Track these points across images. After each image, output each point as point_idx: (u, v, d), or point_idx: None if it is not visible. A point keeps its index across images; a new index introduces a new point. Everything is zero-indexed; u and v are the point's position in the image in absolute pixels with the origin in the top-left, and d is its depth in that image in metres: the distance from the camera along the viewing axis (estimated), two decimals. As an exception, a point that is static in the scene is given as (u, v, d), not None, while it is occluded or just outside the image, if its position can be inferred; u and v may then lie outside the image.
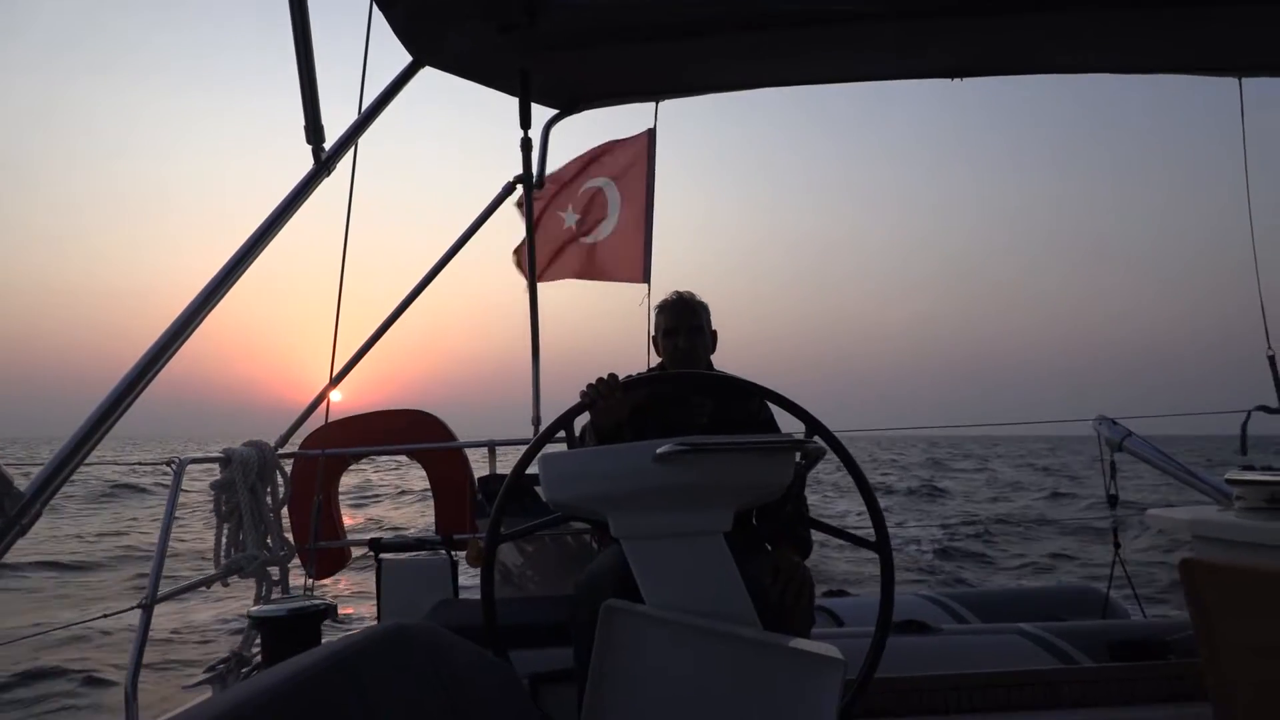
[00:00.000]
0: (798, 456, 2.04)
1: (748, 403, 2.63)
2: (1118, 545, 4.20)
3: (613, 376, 2.26)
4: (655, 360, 2.83)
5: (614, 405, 2.27)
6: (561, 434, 2.23)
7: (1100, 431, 4.10)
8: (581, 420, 2.36)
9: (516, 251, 4.79)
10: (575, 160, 4.84)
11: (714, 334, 2.77)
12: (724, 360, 2.81)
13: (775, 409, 2.35)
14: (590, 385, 2.26)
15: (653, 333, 2.78)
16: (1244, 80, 3.74)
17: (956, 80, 3.61)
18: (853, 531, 2.21)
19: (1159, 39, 3.41)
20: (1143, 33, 3.32)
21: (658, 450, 1.86)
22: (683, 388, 2.69)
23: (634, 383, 2.30)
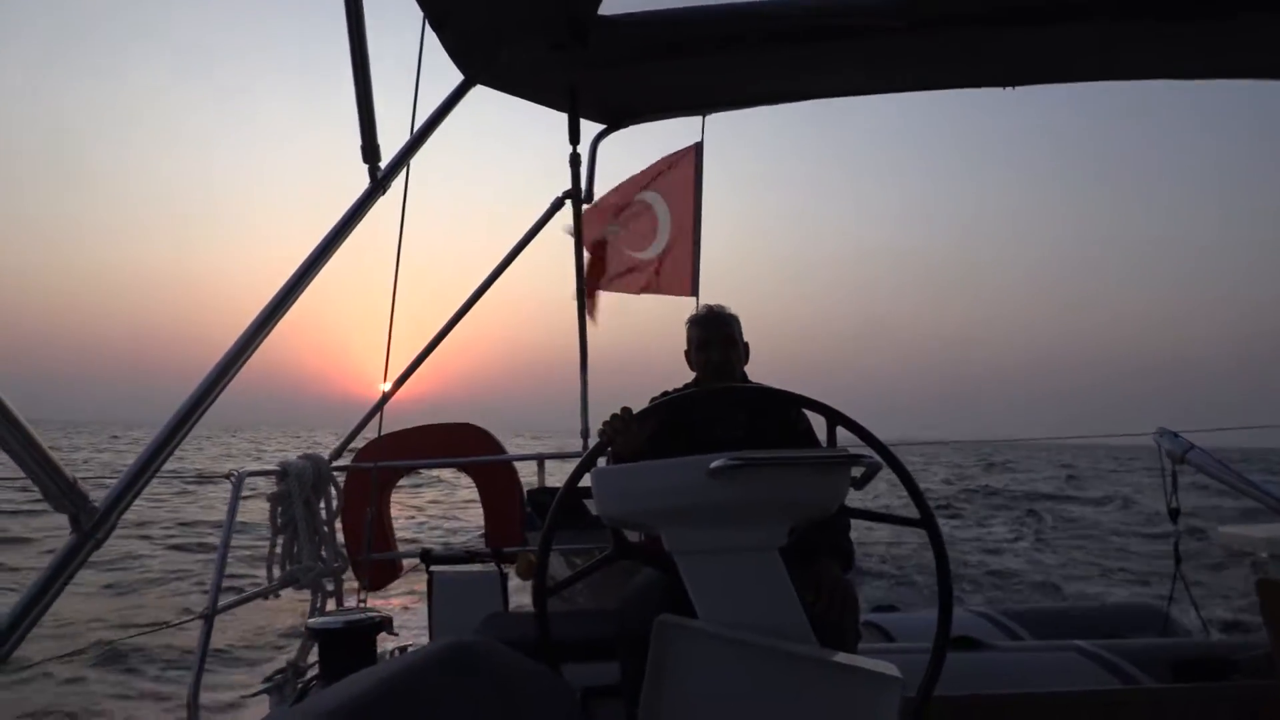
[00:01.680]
0: (854, 471, 2.01)
1: (784, 413, 2.61)
2: (1179, 561, 4.09)
3: (626, 410, 2.27)
4: (689, 374, 2.82)
5: (631, 438, 2.28)
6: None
7: (1161, 445, 3.99)
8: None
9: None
10: (628, 182, 4.84)
11: (746, 346, 2.76)
12: (764, 372, 2.80)
13: (815, 419, 2.33)
14: (606, 422, 2.28)
15: (686, 348, 2.78)
16: None
17: (1009, 89, 3.57)
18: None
19: (1216, 44, 3.33)
20: (1199, 38, 3.26)
21: (711, 465, 1.85)
22: (701, 405, 2.67)
23: (647, 413, 2.30)
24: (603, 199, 4.80)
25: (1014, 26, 3.06)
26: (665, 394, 2.57)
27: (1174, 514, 3.99)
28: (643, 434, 2.33)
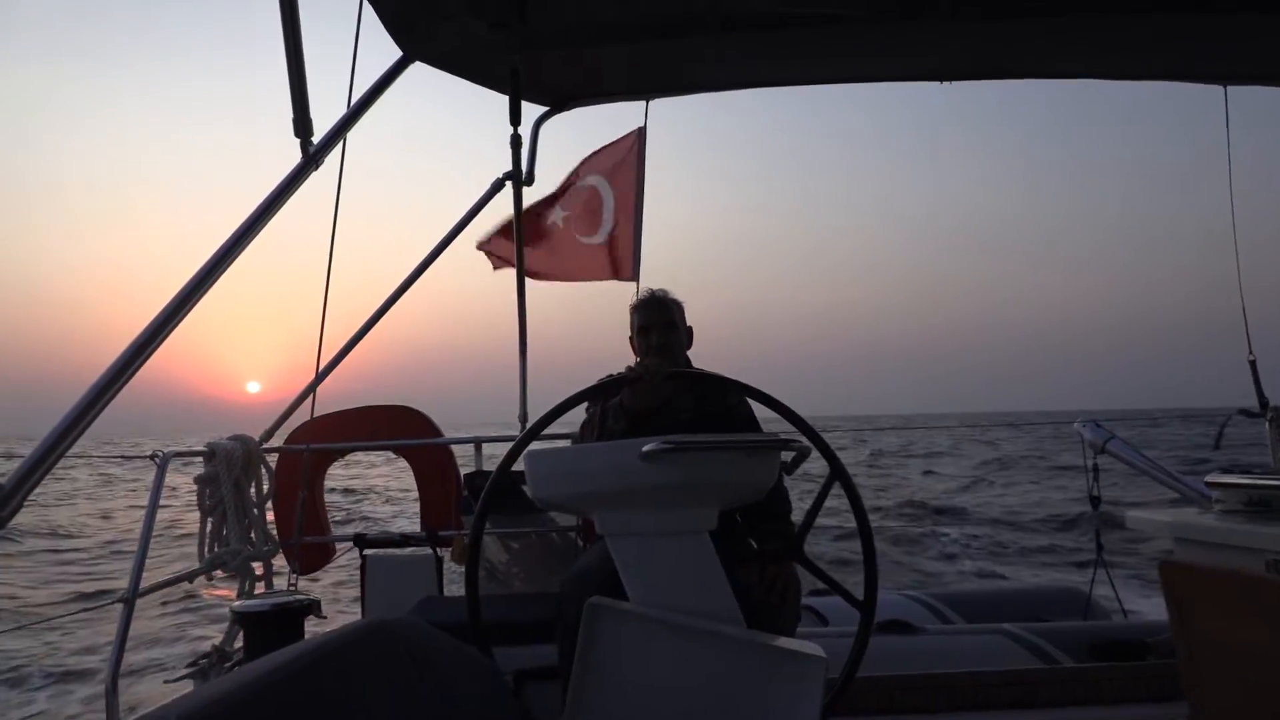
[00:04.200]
0: (784, 455, 2.04)
1: (726, 398, 2.63)
2: (1100, 546, 4.24)
3: (659, 362, 2.31)
4: (632, 359, 2.81)
5: (655, 389, 2.29)
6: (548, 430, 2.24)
7: (1083, 434, 4.13)
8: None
9: (484, 244, 4.75)
10: (574, 171, 4.81)
11: (690, 330, 2.77)
12: (705, 354, 2.81)
13: (760, 408, 2.35)
14: (639, 362, 2.31)
15: (629, 333, 2.77)
16: (1229, 89, 3.77)
17: (945, 84, 3.64)
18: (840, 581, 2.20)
19: (1147, 46, 3.44)
20: (1131, 40, 3.36)
21: (644, 449, 1.86)
22: (685, 387, 2.68)
23: (681, 373, 2.33)
24: (556, 192, 4.77)
25: (966, 22, 3.11)
26: (609, 377, 2.57)
27: (1095, 501, 4.14)
28: (661, 393, 2.34)
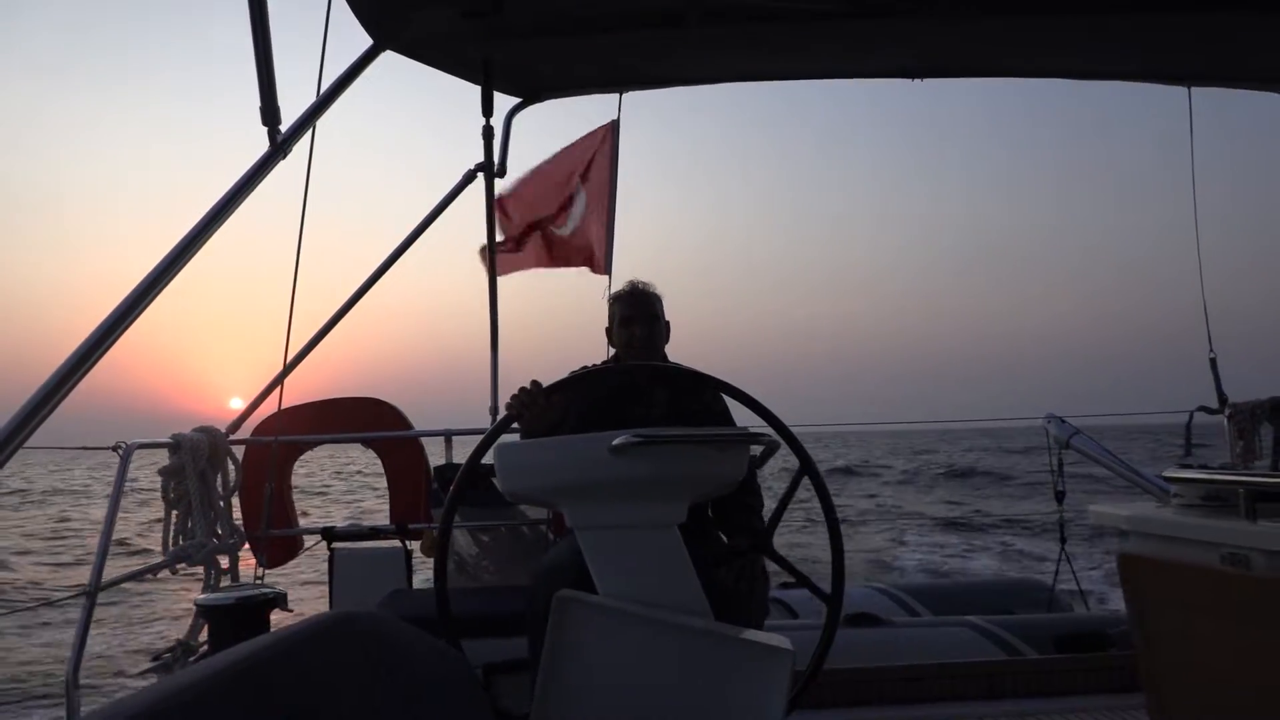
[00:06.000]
0: (752, 449, 2.05)
1: (701, 395, 2.64)
2: (1064, 540, 4.31)
3: (535, 384, 2.23)
4: (612, 352, 2.82)
5: (540, 412, 2.25)
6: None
7: (1049, 429, 4.20)
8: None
9: (483, 250, 4.72)
10: (544, 162, 4.77)
11: (667, 324, 2.77)
12: (685, 352, 2.81)
13: (731, 402, 2.35)
14: (514, 396, 2.23)
15: (608, 324, 2.77)
16: (1193, 90, 3.85)
17: (916, 81, 3.67)
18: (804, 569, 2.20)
19: (1112, 46, 3.50)
20: (1097, 40, 3.41)
21: (613, 442, 1.86)
22: (625, 380, 2.68)
23: (556, 387, 2.26)
24: (523, 183, 4.73)
25: (937, 19, 3.14)
26: (585, 368, 2.56)
27: (1059, 496, 4.21)
28: (553, 409, 2.30)
